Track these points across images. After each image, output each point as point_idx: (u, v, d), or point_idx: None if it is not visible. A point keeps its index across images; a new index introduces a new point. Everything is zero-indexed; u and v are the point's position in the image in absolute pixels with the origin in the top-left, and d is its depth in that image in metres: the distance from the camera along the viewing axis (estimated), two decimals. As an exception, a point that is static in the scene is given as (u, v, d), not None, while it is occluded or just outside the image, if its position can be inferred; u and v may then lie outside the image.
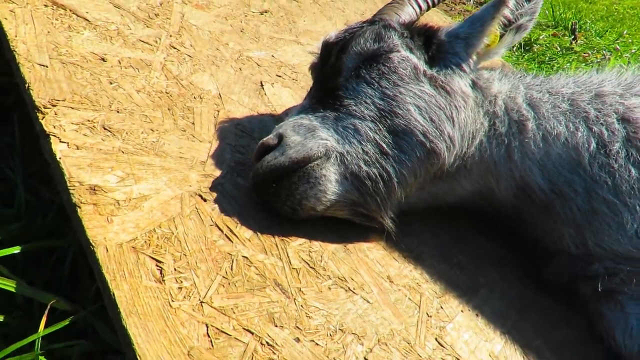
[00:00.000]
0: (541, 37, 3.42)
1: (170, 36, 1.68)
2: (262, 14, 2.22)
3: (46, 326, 0.81)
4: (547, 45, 3.37)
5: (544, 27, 4.20)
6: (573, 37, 4.11)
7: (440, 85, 1.23)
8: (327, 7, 2.54)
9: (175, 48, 1.62)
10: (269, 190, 1.08)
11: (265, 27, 2.09)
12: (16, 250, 0.91)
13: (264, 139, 1.13)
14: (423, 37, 1.31)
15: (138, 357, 0.73)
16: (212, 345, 0.80)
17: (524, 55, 3.12)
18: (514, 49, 3.28)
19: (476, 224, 1.39)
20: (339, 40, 1.29)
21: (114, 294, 0.79)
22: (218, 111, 1.42)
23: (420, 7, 1.42)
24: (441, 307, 1.12)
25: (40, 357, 0.77)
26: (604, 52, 3.76)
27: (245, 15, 2.12)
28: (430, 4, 1.45)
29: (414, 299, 1.11)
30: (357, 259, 1.14)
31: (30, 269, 0.97)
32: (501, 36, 1.33)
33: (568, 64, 2.99)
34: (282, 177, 1.07)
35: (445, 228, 1.36)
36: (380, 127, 1.15)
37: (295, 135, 1.12)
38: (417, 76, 1.22)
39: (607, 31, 4.44)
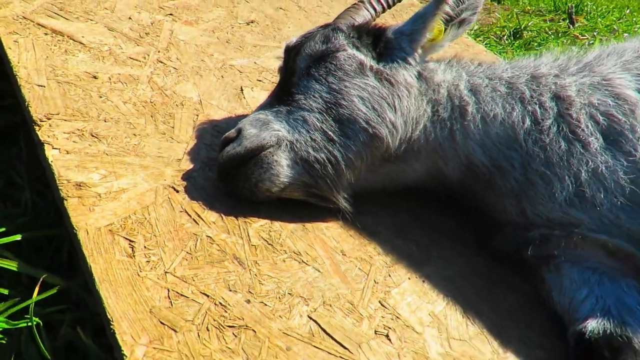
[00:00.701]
0: (530, 24, 3.47)
1: (159, 52, 1.88)
2: (248, 24, 2.40)
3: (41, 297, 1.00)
4: (537, 30, 3.43)
5: (544, 12, 4.24)
6: (570, 20, 4.14)
7: (385, 78, 1.37)
8: (312, 12, 2.70)
9: (162, 62, 1.82)
10: (229, 176, 1.26)
11: (250, 36, 2.28)
12: (18, 237, 1.11)
13: (226, 133, 1.31)
14: (372, 36, 1.46)
15: (108, 314, 0.92)
16: (172, 305, 0.98)
17: (513, 43, 3.19)
18: (505, 37, 3.35)
19: (433, 204, 1.52)
20: (296, 44, 1.46)
21: (90, 267, 0.98)
22: (197, 115, 1.61)
23: (375, 9, 1.57)
24: (389, 275, 1.27)
25: (34, 319, 0.96)
26: (594, 33, 3.77)
27: (232, 27, 2.31)
28: (385, 6, 1.59)
29: (364, 268, 1.26)
30: (314, 236, 1.30)
31: (33, 256, 1.17)
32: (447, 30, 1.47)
33: (556, 48, 3.05)
34: (240, 165, 1.25)
35: (403, 208, 1.50)
36: (327, 117, 1.30)
37: (252, 128, 1.29)
38: (363, 71, 1.37)
39: (609, 12, 4.43)
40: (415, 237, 1.42)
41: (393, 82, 1.37)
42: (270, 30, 2.41)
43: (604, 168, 1.24)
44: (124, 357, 0.86)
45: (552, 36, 3.34)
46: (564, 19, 4.07)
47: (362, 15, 1.54)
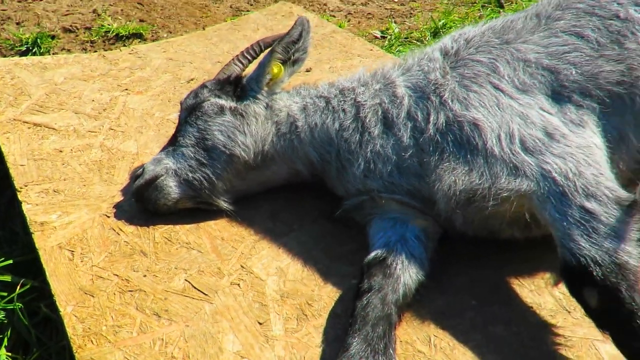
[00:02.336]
0: (450, 19, 3.95)
1: (112, 121, 2.60)
2: (188, 82, 3.10)
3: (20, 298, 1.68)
4: (457, 26, 3.90)
5: (470, 4, 4.69)
6: (499, 5, 4.56)
7: (239, 113, 1.99)
8: (243, 60, 3.36)
9: (113, 129, 2.53)
10: (140, 199, 1.91)
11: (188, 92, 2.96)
12: (10, 261, 1.80)
13: (136, 172, 1.97)
14: (233, 84, 2.08)
15: (52, 292, 1.57)
16: (93, 283, 1.63)
17: (433, 40, 3.69)
18: (427, 38, 3.86)
19: (304, 191, 2.09)
20: (181, 101, 2.11)
21: (45, 268, 1.65)
22: (133, 163, 2.28)
23: (242, 63, 2.21)
24: (254, 247, 1.85)
25: (17, 304, 1.63)
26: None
27: (174, 88, 3.01)
28: (250, 59, 2.23)
29: (236, 246, 1.85)
30: (203, 231, 1.92)
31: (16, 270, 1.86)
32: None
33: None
34: (144, 190, 1.89)
35: (281, 198, 2.08)
36: (198, 149, 1.93)
37: (151, 165, 1.94)
38: (223, 111, 1.99)
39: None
40: (283, 217, 2.00)
41: (244, 115, 1.98)
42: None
43: (380, 147, 1.78)
44: (60, 312, 1.51)
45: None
46: (492, 8, 4.49)
47: (232, 70, 2.18)
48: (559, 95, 1.70)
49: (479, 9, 4.50)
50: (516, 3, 4.60)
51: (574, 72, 1.70)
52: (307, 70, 3.20)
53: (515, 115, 1.64)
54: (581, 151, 1.56)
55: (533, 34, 1.82)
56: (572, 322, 1.55)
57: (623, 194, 1.48)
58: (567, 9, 1.86)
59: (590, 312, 1.39)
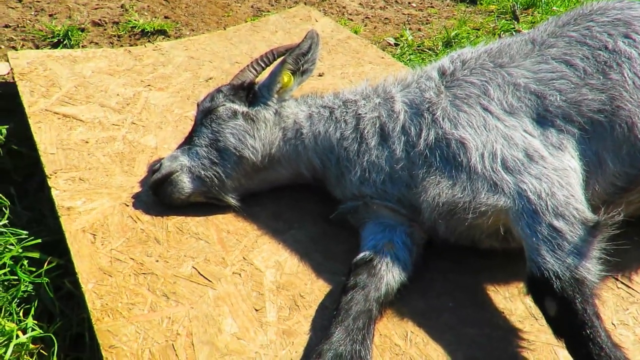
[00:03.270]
0: (463, 30, 4.08)
1: (134, 116, 2.82)
2: (207, 81, 3.30)
3: (46, 274, 1.91)
4: (470, 36, 4.04)
5: (487, 13, 4.80)
6: (514, 18, 4.67)
7: (250, 117, 2.18)
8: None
9: (135, 123, 2.75)
10: (157, 192, 2.12)
11: (206, 90, 3.16)
12: (39, 240, 2.03)
13: (154, 166, 2.18)
14: (246, 90, 2.28)
15: (76, 270, 1.80)
16: (111, 264, 1.85)
17: (444, 50, 3.84)
18: (439, 47, 4.00)
19: (306, 192, 2.28)
20: (198, 103, 2.31)
21: (70, 249, 1.87)
22: (152, 157, 2.50)
23: (256, 70, 2.40)
24: (256, 242, 2.06)
25: (44, 278, 1.86)
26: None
27: (194, 86, 3.22)
28: (264, 66, 2.41)
29: (240, 239, 2.06)
30: (211, 223, 2.12)
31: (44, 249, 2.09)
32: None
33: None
34: (160, 184, 2.11)
35: (285, 198, 2.28)
36: (211, 149, 2.14)
37: (167, 161, 2.15)
38: (236, 115, 2.19)
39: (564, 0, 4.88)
40: (285, 216, 2.20)
41: (255, 120, 2.18)
42: (225, 83, 3.28)
43: (375, 158, 1.96)
44: (82, 288, 1.73)
45: (489, 36, 3.93)
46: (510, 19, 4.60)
47: (247, 76, 2.37)
48: (543, 119, 1.86)
49: (494, 19, 4.62)
50: (532, 15, 4.70)
51: (558, 98, 1.86)
52: (320, 75, 3.38)
53: (500, 136, 1.81)
54: (557, 173, 1.72)
55: (526, 59, 1.98)
56: (538, 329, 1.72)
57: (589, 215, 1.63)
58: (561, 36, 2.01)
59: (549, 320, 1.56)
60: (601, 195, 1.86)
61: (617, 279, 1.90)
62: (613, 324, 1.73)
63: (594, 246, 1.59)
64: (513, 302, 1.83)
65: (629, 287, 1.87)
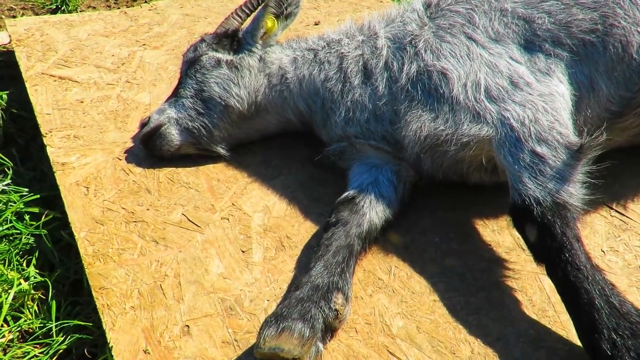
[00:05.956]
0: None
1: (128, 75, 2.86)
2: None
3: (45, 226, 2.01)
4: None
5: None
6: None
7: (234, 65, 2.19)
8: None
9: (129, 82, 2.80)
10: (147, 145, 2.18)
11: (201, 47, 3.17)
12: (38, 195, 2.13)
13: (143, 120, 2.23)
14: (230, 38, 2.28)
15: (69, 220, 1.89)
16: (103, 214, 1.93)
17: None
18: None
19: (297, 138, 2.30)
20: (184, 54, 2.33)
21: (64, 200, 1.96)
22: (145, 113, 2.55)
23: (240, 17, 2.38)
24: (245, 188, 2.10)
25: (43, 230, 1.96)
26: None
27: (189, 42, 3.22)
28: (249, 12, 2.40)
29: (229, 187, 2.10)
30: (202, 173, 2.18)
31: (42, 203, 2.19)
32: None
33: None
34: (149, 138, 2.16)
35: (275, 145, 2.31)
36: (196, 100, 2.16)
37: (155, 114, 2.20)
38: (219, 64, 2.20)
39: None
40: (274, 163, 2.23)
41: (239, 67, 2.19)
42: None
43: (359, 96, 1.95)
44: (74, 235, 1.82)
45: None
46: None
47: (231, 24, 2.37)
48: (530, 44, 1.80)
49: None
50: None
51: (547, 21, 1.79)
52: (316, 24, 3.33)
53: (484, 65, 1.76)
54: (542, 99, 1.68)
55: None
56: (524, 259, 1.72)
57: (574, 139, 1.60)
58: (551, -43, 1.92)
59: (530, 246, 1.55)
60: (595, 121, 1.80)
61: (611, 208, 1.87)
62: (603, 250, 1.71)
63: (578, 170, 1.56)
64: (501, 234, 1.82)
65: (623, 214, 1.83)
